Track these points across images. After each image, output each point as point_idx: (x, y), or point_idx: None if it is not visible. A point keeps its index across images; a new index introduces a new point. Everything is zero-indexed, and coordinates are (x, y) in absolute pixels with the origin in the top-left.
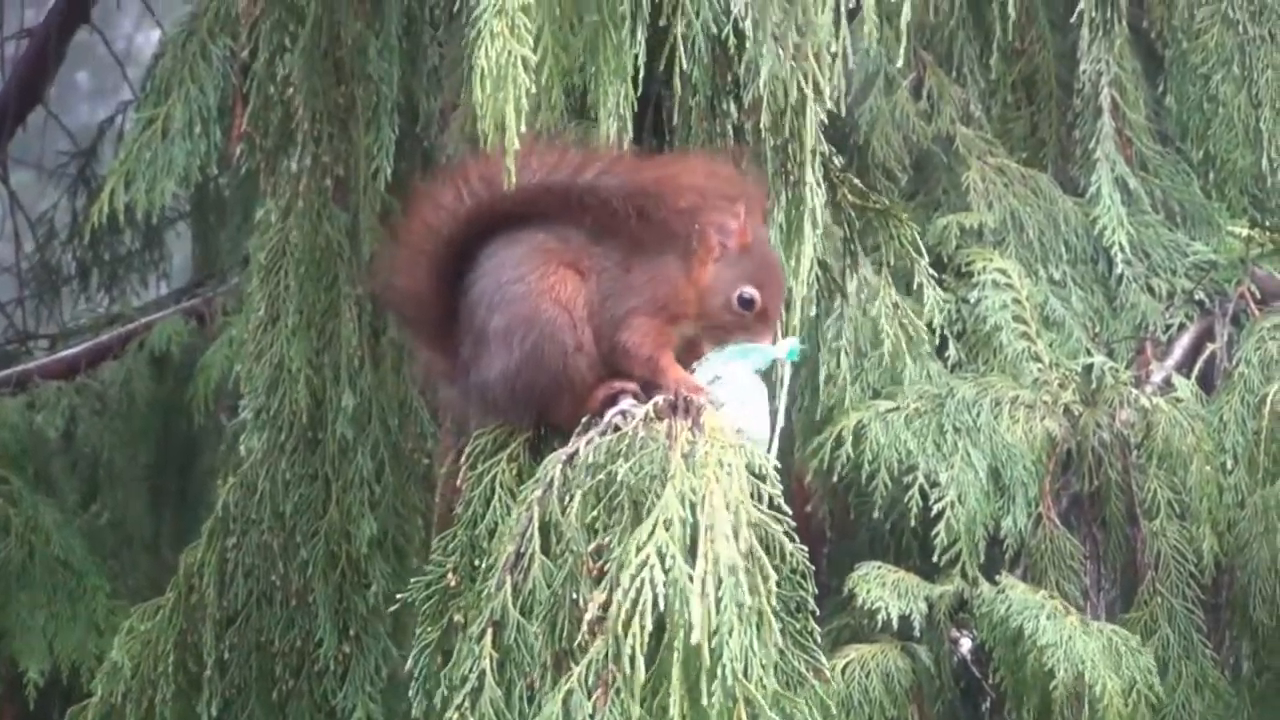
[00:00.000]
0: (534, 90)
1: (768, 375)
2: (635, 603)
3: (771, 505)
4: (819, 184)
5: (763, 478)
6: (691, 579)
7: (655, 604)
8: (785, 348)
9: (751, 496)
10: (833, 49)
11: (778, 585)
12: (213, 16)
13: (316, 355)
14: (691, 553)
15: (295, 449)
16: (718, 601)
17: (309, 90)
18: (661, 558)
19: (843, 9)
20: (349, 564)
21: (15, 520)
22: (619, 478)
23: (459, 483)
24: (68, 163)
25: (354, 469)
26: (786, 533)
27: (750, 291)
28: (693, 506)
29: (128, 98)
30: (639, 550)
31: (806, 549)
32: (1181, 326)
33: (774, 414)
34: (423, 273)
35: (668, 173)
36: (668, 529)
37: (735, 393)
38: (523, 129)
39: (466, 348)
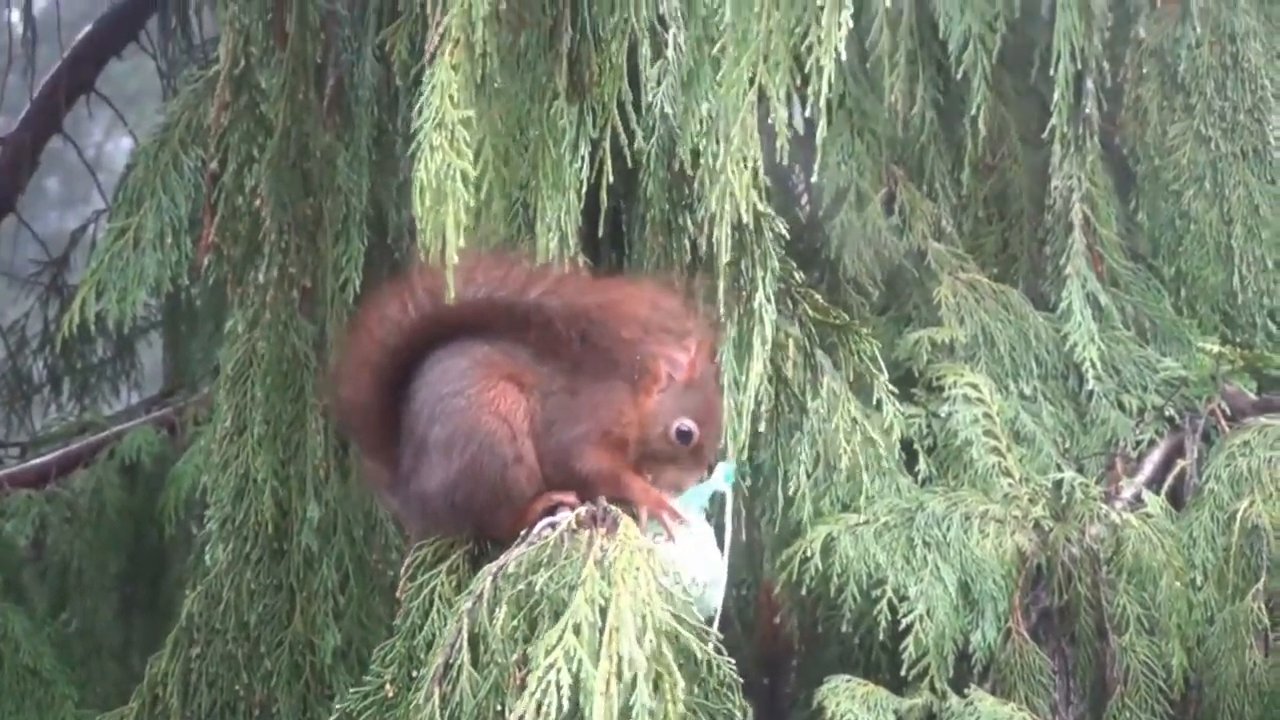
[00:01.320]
0: (473, 204)
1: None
2: (540, 705)
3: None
4: (769, 299)
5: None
6: (595, 680)
7: (560, 706)
8: (721, 474)
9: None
10: (747, 159)
11: (703, 696)
12: (184, 127)
13: (282, 466)
14: (598, 657)
15: (260, 559)
16: (625, 707)
17: (276, 201)
18: (569, 660)
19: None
20: (313, 675)
21: None
22: (538, 587)
23: (398, 593)
24: (40, 271)
25: (319, 580)
26: (705, 640)
27: (689, 425)
28: (602, 611)
29: (98, 206)
30: (548, 653)
31: (734, 662)
32: (1152, 442)
33: (720, 530)
34: (366, 383)
35: (612, 299)
36: (576, 633)
37: (689, 539)
38: (462, 243)
39: (407, 458)
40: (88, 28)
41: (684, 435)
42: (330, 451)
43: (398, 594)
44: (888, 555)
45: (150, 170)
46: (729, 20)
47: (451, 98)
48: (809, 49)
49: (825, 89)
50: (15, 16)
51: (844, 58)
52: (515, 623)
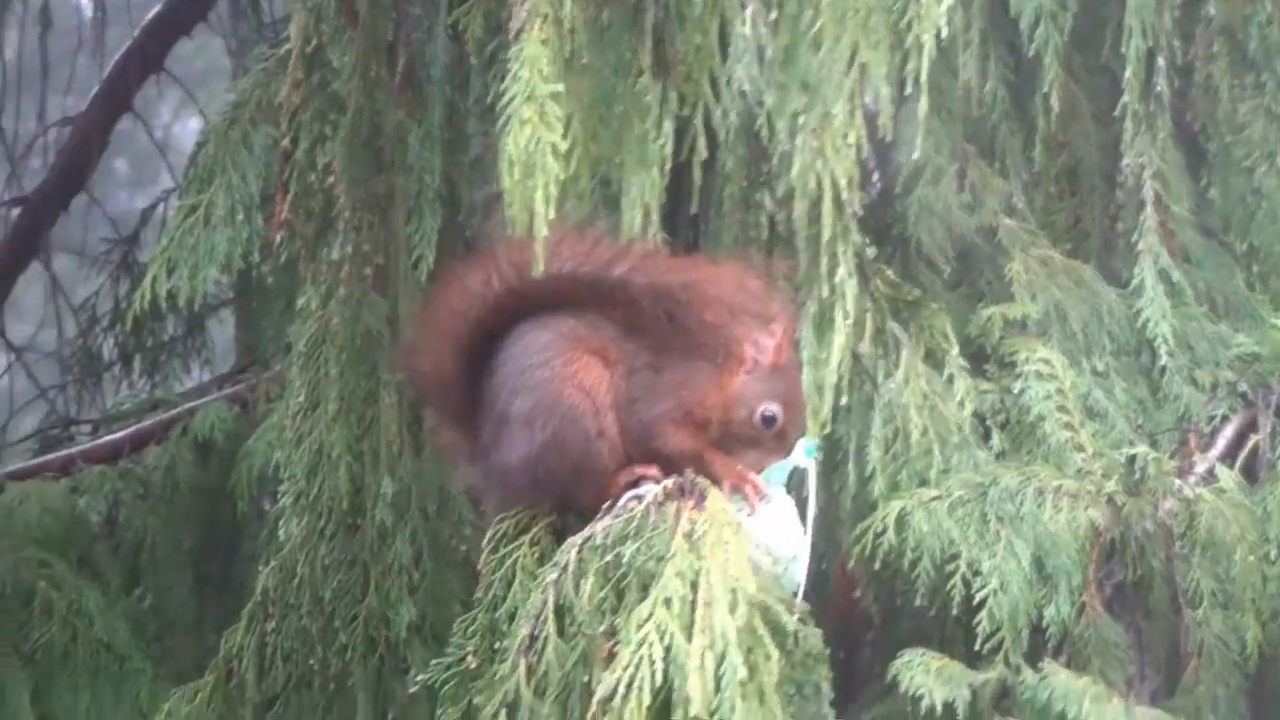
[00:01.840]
0: (563, 177)
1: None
2: (633, 679)
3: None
4: (850, 275)
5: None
6: (689, 655)
7: (653, 680)
8: (801, 450)
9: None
10: (849, 138)
11: (789, 667)
12: (255, 105)
13: (356, 441)
14: (690, 631)
15: (334, 534)
16: (717, 677)
17: (350, 179)
18: (661, 634)
19: (857, 101)
20: (387, 649)
21: (58, 604)
22: (625, 559)
23: (479, 566)
24: (110, 249)
25: (393, 554)
26: (792, 612)
27: (773, 410)
28: (693, 584)
29: (166, 185)
30: (639, 628)
31: (821, 632)
32: (1224, 418)
33: (803, 505)
34: (447, 355)
35: (697, 279)
36: (667, 606)
37: (772, 515)
38: (551, 215)
39: (488, 430)
40: (157, 7)
41: (768, 420)
42: (404, 426)
43: (479, 567)
44: (961, 530)
45: (221, 148)
46: None
47: (541, 72)
48: (909, 25)
49: (925, 66)
50: None
51: (945, 34)
52: (603, 594)
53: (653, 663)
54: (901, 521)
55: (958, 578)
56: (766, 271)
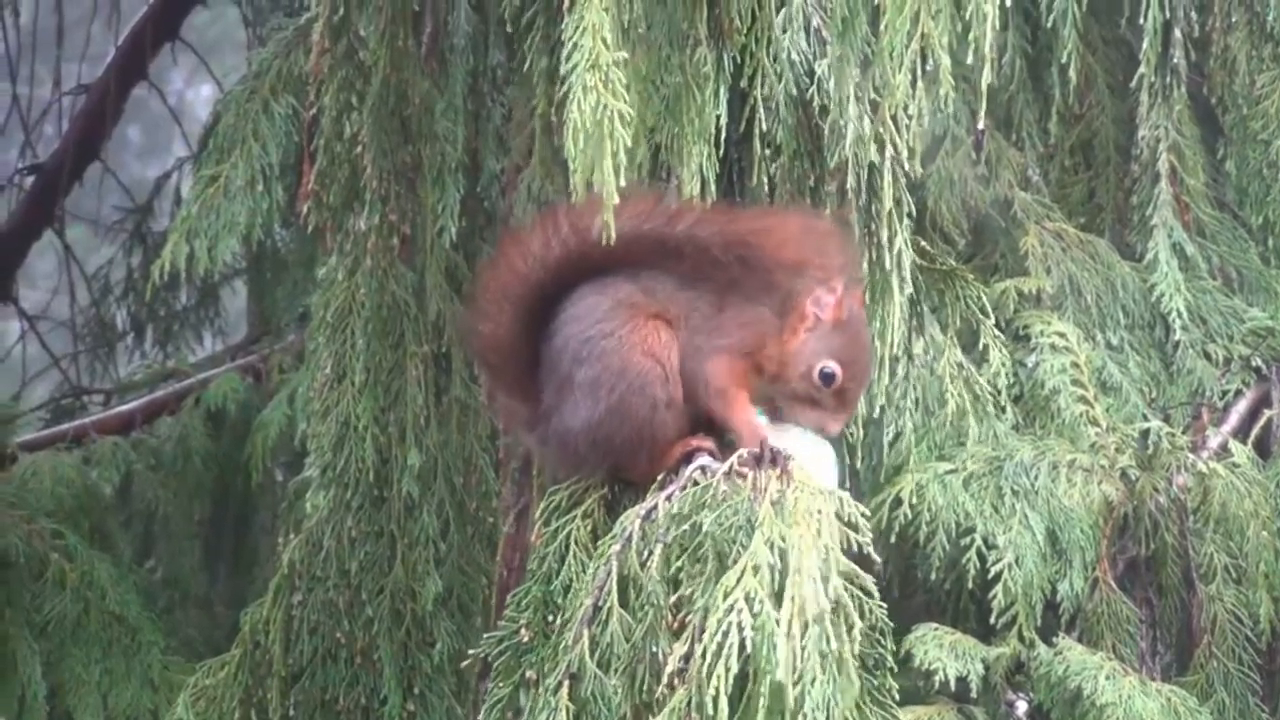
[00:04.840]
0: (629, 145)
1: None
2: (721, 647)
3: (861, 557)
4: (907, 245)
5: (854, 527)
6: (779, 623)
7: (740, 648)
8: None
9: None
10: (909, 109)
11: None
12: (275, 75)
13: (383, 413)
14: (779, 599)
15: (361, 507)
16: (802, 647)
17: (378, 149)
18: (750, 602)
19: (919, 70)
20: (414, 622)
21: (71, 575)
22: (704, 529)
23: (534, 538)
24: (124, 218)
25: (419, 527)
26: (865, 588)
27: (832, 367)
28: (782, 553)
29: (179, 153)
30: (726, 596)
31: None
32: (1238, 393)
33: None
34: (507, 319)
35: (766, 225)
36: (756, 575)
37: (802, 449)
38: (623, 182)
39: (549, 395)
40: None
41: (827, 377)
42: (430, 398)
43: (533, 539)
44: (976, 504)
45: (240, 118)
46: None
47: (604, 39)
48: None
49: (989, 35)
50: None
51: (1009, 2)
52: (679, 564)
53: (740, 631)
54: (918, 494)
55: (972, 552)
56: (835, 220)
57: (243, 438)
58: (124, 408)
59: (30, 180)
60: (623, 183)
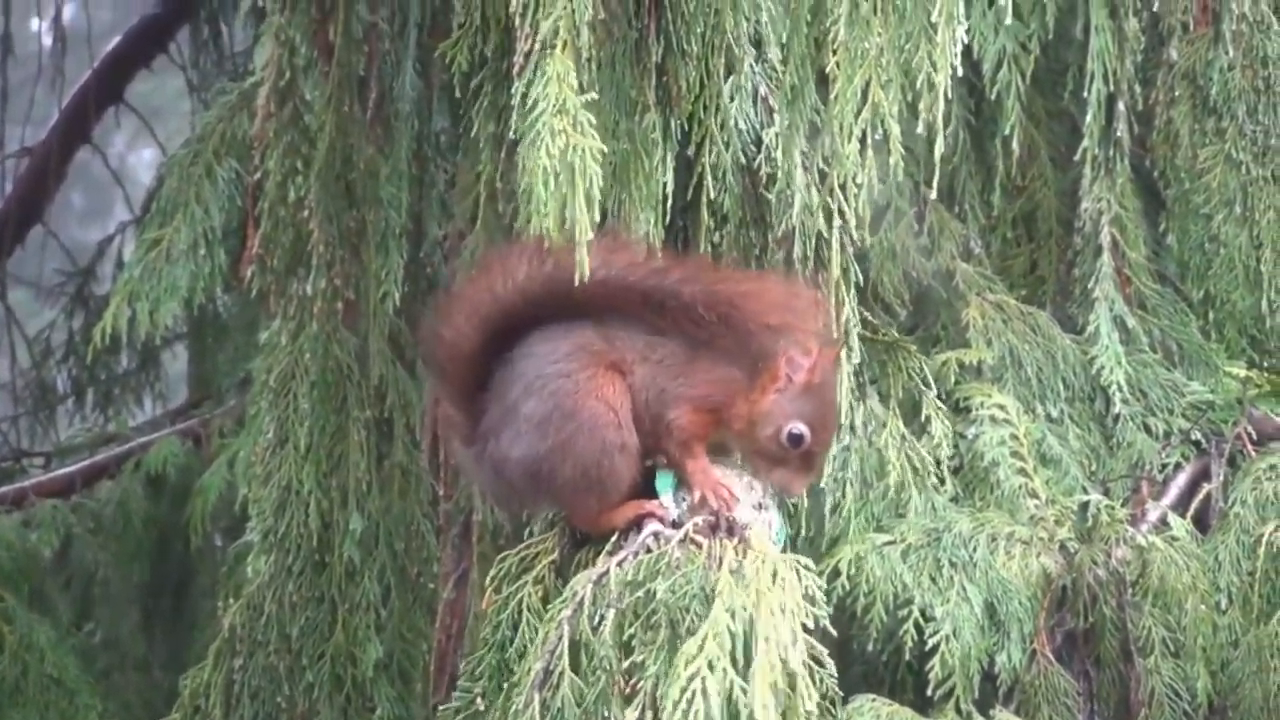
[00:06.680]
0: (602, 182)
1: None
2: (685, 715)
3: (815, 629)
4: (854, 314)
5: (812, 600)
6: (745, 691)
7: (707, 716)
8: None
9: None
10: (858, 179)
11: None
12: (219, 139)
13: (325, 478)
14: (738, 668)
15: (302, 571)
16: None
17: (323, 213)
18: (713, 669)
19: (868, 139)
20: (354, 687)
21: (9, 638)
22: (657, 596)
23: (484, 605)
24: (65, 282)
25: (360, 592)
26: (818, 658)
27: (801, 429)
28: (743, 621)
29: (121, 217)
30: (688, 663)
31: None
32: (1178, 466)
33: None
34: (471, 332)
35: (750, 288)
36: (716, 642)
37: (749, 508)
38: (597, 218)
39: (492, 415)
40: (117, 39)
41: (795, 438)
42: (372, 463)
43: (484, 605)
44: (914, 575)
45: (183, 181)
46: (842, 38)
47: (570, 85)
48: (919, 66)
49: (942, 105)
50: (44, 26)
51: (959, 73)
52: (631, 630)
53: (707, 699)
54: (857, 565)
55: (910, 623)
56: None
57: (182, 502)
58: (64, 471)
59: None
60: (596, 219)
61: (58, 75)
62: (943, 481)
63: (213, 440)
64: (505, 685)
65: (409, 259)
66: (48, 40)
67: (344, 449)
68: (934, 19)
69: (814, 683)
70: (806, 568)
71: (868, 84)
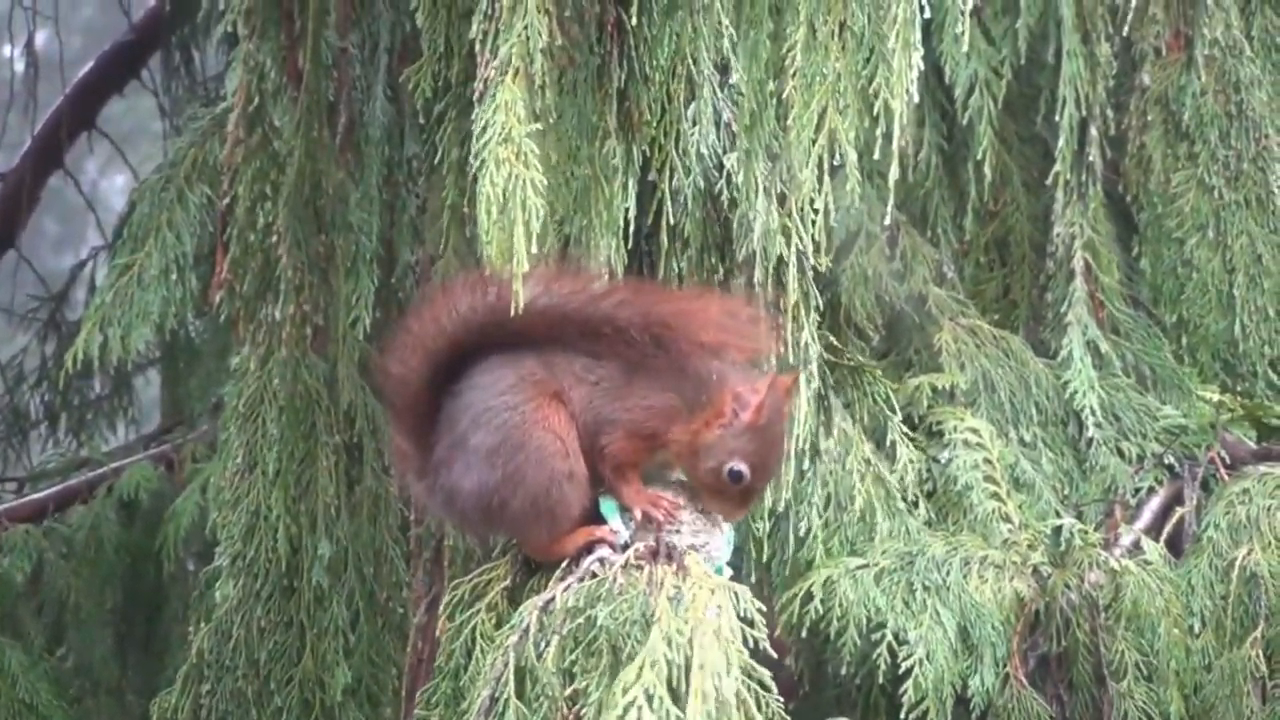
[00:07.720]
0: (542, 214)
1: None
2: None
3: (756, 652)
4: (814, 340)
5: (750, 623)
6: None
7: None
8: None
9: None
10: (816, 204)
11: None
12: (190, 164)
13: (293, 503)
14: (676, 695)
15: (271, 596)
16: None
17: (292, 239)
18: (649, 699)
19: (826, 165)
20: (323, 712)
21: None
22: (599, 622)
23: (438, 633)
24: (38, 307)
25: (329, 617)
26: (763, 683)
27: (741, 469)
28: (680, 648)
29: (93, 243)
30: (625, 692)
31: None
32: (1151, 490)
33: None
34: (418, 365)
35: (687, 307)
36: (654, 670)
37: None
38: (534, 250)
39: (442, 448)
40: (89, 65)
41: (735, 476)
42: (342, 489)
43: (437, 633)
44: (888, 599)
45: (155, 206)
46: (799, 64)
47: (517, 115)
48: (876, 92)
49: (898, 131)
50: (17, 53)
51: (916, 100)
52: (573, 657)
53: None
54: (829, 590)
55: (883, 647)
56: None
57: (155, 527)
58: (36, 496)
59: None
60: (534, 250)
61: (30, 101)
62: (915, 505)
63: (185, 465)
64: (457, 713)
65: (380, 284)
66: (20, 66)
67: (313, 474)
68: (890, 46)
69: (759, 708)
70: (742, 593)
71: (825, 109)
